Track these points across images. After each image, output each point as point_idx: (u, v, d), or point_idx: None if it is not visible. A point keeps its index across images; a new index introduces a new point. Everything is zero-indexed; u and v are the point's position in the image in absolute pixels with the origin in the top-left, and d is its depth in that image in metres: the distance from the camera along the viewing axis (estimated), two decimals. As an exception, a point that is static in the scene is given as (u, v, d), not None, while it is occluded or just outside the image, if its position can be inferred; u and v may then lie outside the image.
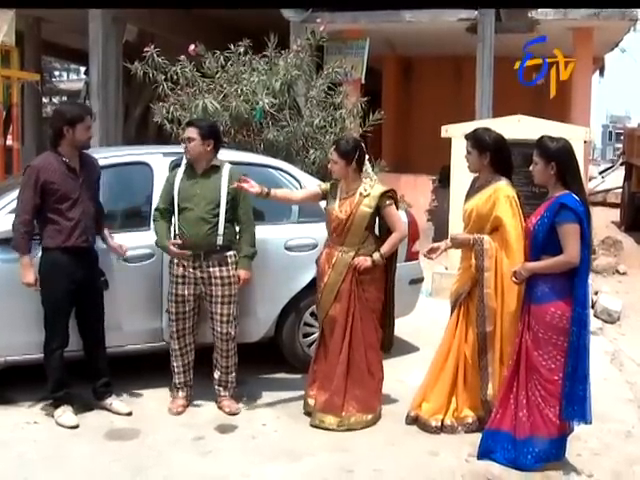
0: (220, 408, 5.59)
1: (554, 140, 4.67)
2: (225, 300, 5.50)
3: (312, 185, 5.85)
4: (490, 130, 5.25)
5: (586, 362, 4.61)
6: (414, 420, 5.31)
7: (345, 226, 5.33)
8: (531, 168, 4.74)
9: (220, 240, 5.45)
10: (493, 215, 5.03)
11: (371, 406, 5.41)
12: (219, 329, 5.55)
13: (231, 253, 5.51)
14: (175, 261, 5.51)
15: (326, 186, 5.55)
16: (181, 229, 5.46)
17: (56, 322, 5.30)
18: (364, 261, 5.29)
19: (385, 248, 5.37)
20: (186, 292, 5.50)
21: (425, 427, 5.23)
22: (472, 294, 5.15)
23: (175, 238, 5.48)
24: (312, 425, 5.32)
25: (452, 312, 5.33)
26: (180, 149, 5.67)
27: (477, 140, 5.17)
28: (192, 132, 5.45)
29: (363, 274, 5.32)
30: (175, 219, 5.49)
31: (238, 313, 5.60)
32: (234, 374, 5.66)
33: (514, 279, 4.76)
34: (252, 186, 5.31)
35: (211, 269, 5.45)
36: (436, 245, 5.35)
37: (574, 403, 4.57)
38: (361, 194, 5.34)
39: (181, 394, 5.65)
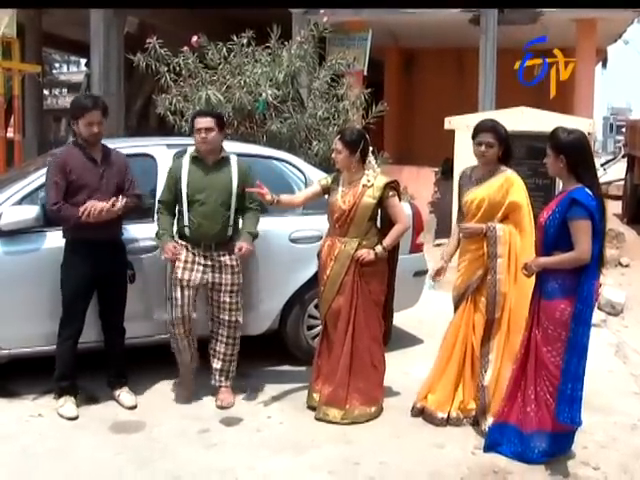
0: (216, 400, 5.55)
1: (568, 132, 4.58)
2: (234, 289, 5.51)
3: (312, 184, 5.78)
4: (496, 121, 5.24)
5: (582, 361, 4.53)
6: (420, 412, 5.30)
7: (348, 217, 5.30)
8: (545, 160, 4.70)
9: (230, 231, 5.47)
10: (507, 201, 5.03)
11: (374, 398, 5.39)
12: (227, 317, 5.53)
13: (235, 242, 5.47)
14: (186, 247, 5.44)
15: (326, 181, 5.51)
16: (192, 221, 5.42)
17: (71, 310, 5.31)
18: (367, 254, 5.26)
19: (388, 240, 5.34)
20: (192, 277, 5.44)
21: (431, 419, 5.22)
22: (481, 283, 5.12)
23: (183, 230, 5.45)
24: (316, 418, 5.30)
25: (459, 304, 5.28)
26: (185, 140, 5.64)
27: (499, 132, 5.13)
28: (210, 122, 5.43)
29: (366, 266, 5.29)
30: (184, 211, 5.44)
31: (243, 302, 5.60)
32: (235, 363, 5.66)
33: (524, 272, 4.74)
34: (265, 193, 5.29)
35: (221, 258, 5.45)
36: (439, 266, 5.37)
37: (563, 402, 4.52)
38: (364, 185, 5.31)
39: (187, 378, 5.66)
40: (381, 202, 5.33)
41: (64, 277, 5.31)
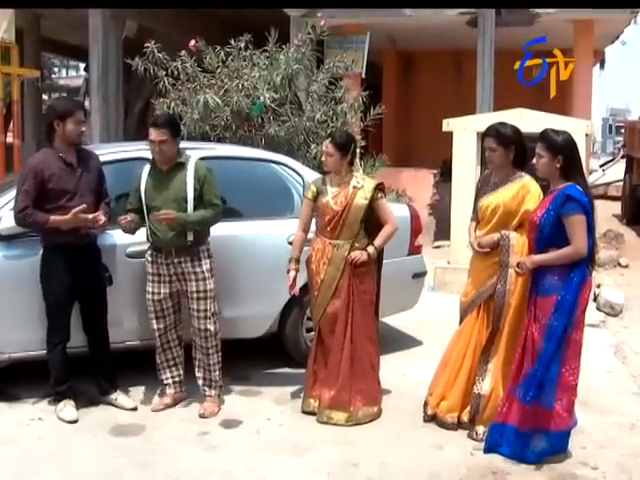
0: (199, 409, 5.48)
1: (559, 133, 4.66)
2: (201, 296, 5.41)
3: (304, 204, 5.59)
4: (507, 124, 5.15)
5: (554, 347, 4.54)
6: (432, 418, 5.27)
7: (341, 218, 5.31)
8: (534, 161, 4.73)
9: (191, 236, 5.35)
10: (523, 209, 4.96)
11: (375, 398, 5.41)
12: (197, 325, 5.46)
13: (203, 247, 5.43)
14: (149, 259, 5.48)
15: (312, 193, 5.44)
16: (151, 228, 5.42)
17: (57, 317, 5.32)
18: (361, 255, 5.27)
19: (379, 241, 5.36)
20: (162, 290, 5.46)
21: (442, 424, 5.19)
22: (493, 292, 5.06)
23: (149, 238, 5.46)
24: (320, 422, 5.29)
25: (468, 311, 5.21)
26: (183, 144, 5.65)
27: (502, 136, 5.03)
28: (164, 134, 5.29)
29: (359, 267, 5.30)
30: (146, 219, 5.43)
31: (217, 309, 5.48)
32: (218, 372, 5.54)
33: (517, 270, 4.76)
34: (294, 282, 5.40)
35: (183, 265, 5.38)
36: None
37: (529, 384, 4.56)
38: (355, 187, 5.33)
39: (168, 391, 5.61)
40: (370, 204, 5.35)
41: (46, 285, 5.30)
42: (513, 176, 5.08)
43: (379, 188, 5.40)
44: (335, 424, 5.25)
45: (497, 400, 4.96)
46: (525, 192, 5.00)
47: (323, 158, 5.45)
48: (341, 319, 5.32)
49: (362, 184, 5.34)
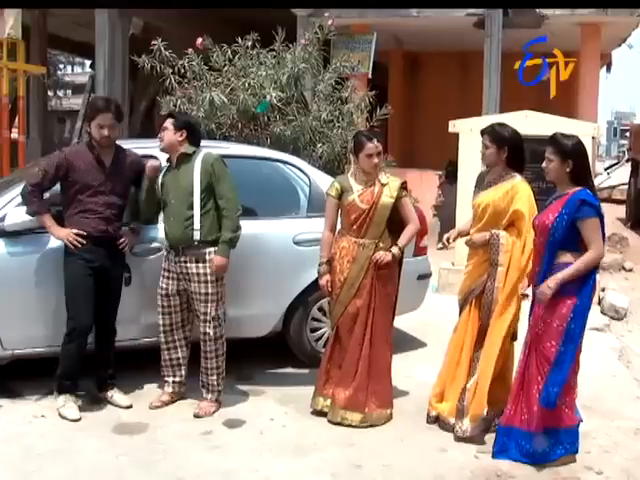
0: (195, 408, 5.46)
1: (569, 138, 4.69)
2: (202, 298, 5.35)
3: (329, 202, 5.46)
4: (506, 125, 5.20)
5: (574, 350, 4.63)
6: (435, 419, 5.26)
7: (368, 217, 5.25)
8: (544, 165, 4.73)
9: (197, 235, 5.29)
10: (512, 209, 5.01)
11: (389, 400, 5.38)
12: (200, 328, 5.43)
13: (211, 249, 5.30)
14: (165, 254, 5.49)
15: (336, 190, 5.35)
16: (164, 224, 5.44)
17: (74, 308, 5.28)
18: (385, 256, 5.22)
19: (402, 241, 5.33)
20: (170, 287, 5.45)
21: (445, 426, 5.17)
22: (484, 288, 5.11)
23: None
24: (333, 422, 5.25)
25: (463, 308, 5.27)
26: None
27: (496, 135, 5.10)
28: (167, 122, 5.43)
29: (383, 269, 5.27)
30: (162, 214, 5.50)
31: (219, 313, 5.39)
32: (216, 377, 5.46)
33: (540, 297, 4.64)
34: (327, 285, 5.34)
35: (188, 264, 5.33)
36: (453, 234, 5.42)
37: (549, 386, 4.59)
38: (382, 183, 5.29)
39: (167, 389, 5.59)
40: (395, 202, 5.31)
41: (65, 275, 5.31)
42: (505, 176, 5.13)
43: (403, 187, 5.37)
44: (349, 425, 5.21)
45: (482, 394, 4.98)
46: (514, 192, 5.04)
47: (376, 160, 5.25)
48: (361, 319, 5.27)
49: (387, 182, 5.31)
